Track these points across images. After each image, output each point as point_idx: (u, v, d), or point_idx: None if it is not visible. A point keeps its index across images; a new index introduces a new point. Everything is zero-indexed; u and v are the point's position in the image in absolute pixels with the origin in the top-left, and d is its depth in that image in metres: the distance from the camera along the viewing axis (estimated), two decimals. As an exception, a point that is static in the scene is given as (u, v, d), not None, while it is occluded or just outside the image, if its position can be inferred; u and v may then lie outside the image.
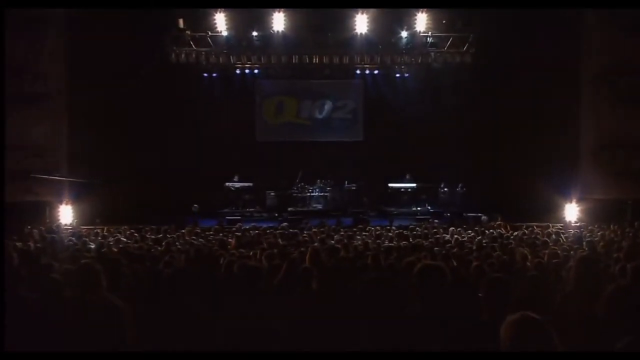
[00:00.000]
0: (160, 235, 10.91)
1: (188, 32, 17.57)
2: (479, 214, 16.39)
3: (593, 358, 2.52)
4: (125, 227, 12.28)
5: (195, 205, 17.45)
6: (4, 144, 8.55)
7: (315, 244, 8.29)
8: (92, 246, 9.05)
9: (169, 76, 18.10)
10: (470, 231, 11.64)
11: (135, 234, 11.54)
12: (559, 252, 7.47)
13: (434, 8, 16.75)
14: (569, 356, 2.38)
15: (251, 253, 7.69)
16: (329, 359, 3.51)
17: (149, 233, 11.52)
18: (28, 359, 3.37)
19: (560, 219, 15.62)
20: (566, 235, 11.28)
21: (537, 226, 13.08)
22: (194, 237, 10.80)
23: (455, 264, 6.45)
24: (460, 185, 18.59)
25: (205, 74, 19.38)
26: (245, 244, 9.34)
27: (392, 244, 9.02)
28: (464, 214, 17.02)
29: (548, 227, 13.16)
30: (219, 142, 19.13)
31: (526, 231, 11.86)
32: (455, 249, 8.53)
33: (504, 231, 11.99)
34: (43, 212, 15.48)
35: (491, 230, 11.83)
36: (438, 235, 11.08)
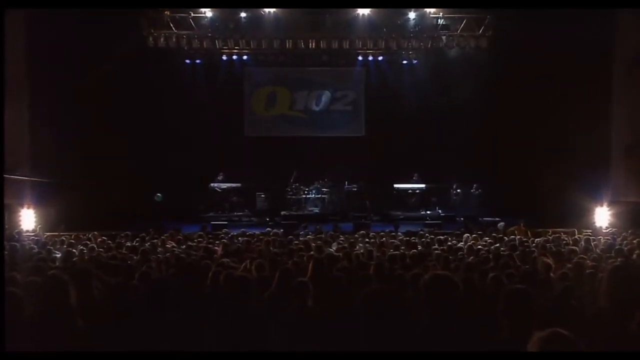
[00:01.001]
0: (137, 243, 10.89)
1: (167, 12, 17.58)
2: (496, 219, 16.42)
3: (594, 358, 2.61)
4: (96, 233, 12.25)
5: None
6: (3, 144, 9.33)
7: (313, 253, 8.28)
8: (58, 255, 9.02)
9: (146, 63, 18.10)
10: (486, 238, 11.65)
11: (108, 242, 11.49)
12: (588, 261, 7.48)
13: (438, 8, 16.90)
14: (572, 356, 2.44)
15: (239, 263, 7.69)
16: (329, 359, 3.73)
17: (123, 240, 11.50)
18: (28, 359, 3.62)
19: (590, 225, 15.64)
20: (596, 242, 11.30)
21: (563, 232, 13.12)
22: (174, 245, 10.78)
23: (469, 274, 6.45)
24: (474, 186, 18.64)
25: (188, 61, 19.41)
26: (233, 252, 9.32)
27: (398, 253, 9.02)
28: (480, 219, 17.06)
29: (575, 233, 13.19)
30: (202, 138, 19.15)
31: (550, 238, 11.87)
32: (470, 258, 8.53)
33: (524, 238, 12.00)
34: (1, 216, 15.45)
35: (510, 237, 11.84)
36: (450, 243, 11.10)
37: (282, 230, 13.35)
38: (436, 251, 9.25)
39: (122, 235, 12.09)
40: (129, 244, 10.74)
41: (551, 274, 6.74)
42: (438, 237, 11.70)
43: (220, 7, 17.48)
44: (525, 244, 10.60)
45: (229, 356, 3.79)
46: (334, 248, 10.55)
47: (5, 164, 16.00)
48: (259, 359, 3.93)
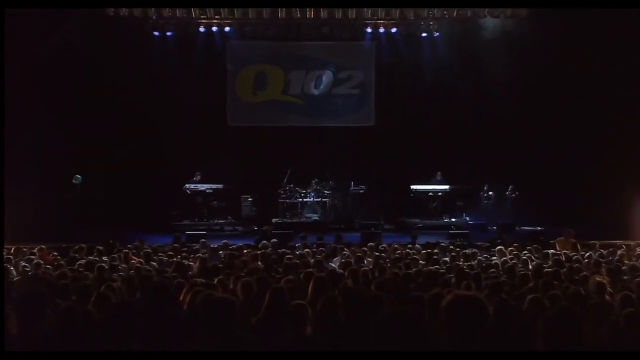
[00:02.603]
0: (93, 258, 10.89)
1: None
2: (538, 228, 16.41)
3: (594, 358, 2.71)
4: (42, 246, 12.25)
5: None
6: (3, 144, 9.91)
7: (312, 270, 8.29)
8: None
9: (106, 36, 18.05)
10: (525, 252, 11.66)
11: (57, 256, 11.46)
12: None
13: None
14: (572, 356, 2.51)
15: (221, 282, 7.69)
16: (329, 359, 3.91)
17: (76, 255, 11.50)
18: (28, 359, 4.10)
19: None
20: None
21: (621, 245, 13.11)
22: (141, 260, 10.77)
23: (503, 296, 6.47)
24: (511, 187, 18.64)
25: (157, 33, 19.36)
26: (213, 269, 9.34)
27: (415, 270, 9.03)
28: (517, 228, 17.03)
29: (637, 246, 13.19)
30: (175, 129, 19.11)
31: (605, 252, 11.88)
32: (504, 277, 8.53)
33: (572, 252, 12.01)
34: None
35: (555, 251, 11.82)
36: (480, 258, 11.10)
37: (273, 242, 13.33)
38: (463, 268, 9.25)
39: (76, 248, 12.08)
40: (83, 259, 10.73)
41: (607, 297, 6.74)
42: (465, 251, 11.71)
43: (220, 7, 18.10)
44: (574, 259, 10.60)
45: (230, 356, 4.05)
46: (338, 264, 10.58)
47: None
48: (259, 359, 4.21)
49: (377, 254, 11.67)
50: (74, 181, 16.99)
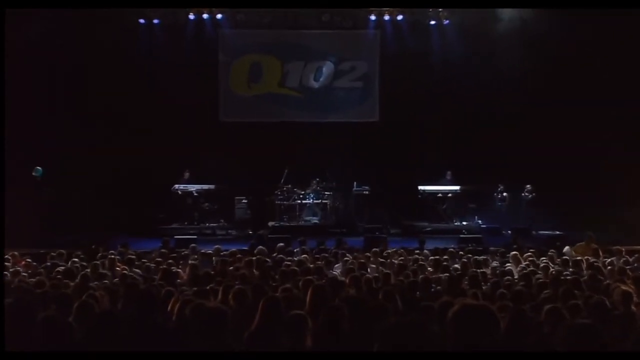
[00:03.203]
0: (75, 265, 10.89)
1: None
2: (556, 232, 16.39)
3: (594, 358, 2.82)
4: (15, 253, 12.24)
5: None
6: (4, 144, 10.21)
7: (311, 277, 8.29)
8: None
9: (85, 24, 18.02)
10: (543, 258, 11.66)
11: (33, 263, 11.43)
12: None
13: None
14: (569, 356, 2.61)
15: (212, 291, 7.69)
16: (329, 358, 4.10)
17: (55, 261, 11.49)
18: (28, 359, 4.37)
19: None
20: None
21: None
22: (125, 267, 10.77)
23: (517, 305, 6.47)
24: (527, 187, 18.60)
25: (142, 20, 19.35)
26: (203, 276, 9.35)
27: (423, 277, 9.03)
28: (534, 232, 17.01)
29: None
30: (162, 124, 19.11)
31: (630, 259, 11.86)
32: (520, 285, 8.53)
33: (594, 258, 12.00)
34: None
35: (576, 257, 11.81)
36: (494, 264, 11.09)
37: (269, 247, 13.33)
38: (474, 275, 9.26)
39: (54, 254, 12.08)
40: (62, 266, 10.73)
41: (632, 308, 6.74)
42: (477, 257, 11.71)
43: (220, 7, 18.50)
44: (596, 265, 10.59)
45: (230, 356, 4.23)
46: (339, 271, 10.58)
47: None
48: (260, 358, 4.44)
49: (381, 260, 11.67)
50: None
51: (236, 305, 6.27)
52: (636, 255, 12.24)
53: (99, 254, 12.25)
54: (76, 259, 11.60)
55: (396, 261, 11.44)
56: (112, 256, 11.61)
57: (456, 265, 10.93)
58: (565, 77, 18.32)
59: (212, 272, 9.77)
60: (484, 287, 8.59)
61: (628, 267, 10.64)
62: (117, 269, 10.68)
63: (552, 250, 12.61)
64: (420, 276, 9.24)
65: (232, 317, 5.00)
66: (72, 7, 16.30)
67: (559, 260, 11.53)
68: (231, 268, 10.40)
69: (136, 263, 11.39)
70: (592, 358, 3.50)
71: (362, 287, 7.99)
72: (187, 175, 18.65)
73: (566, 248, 13.99)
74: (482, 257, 12.02)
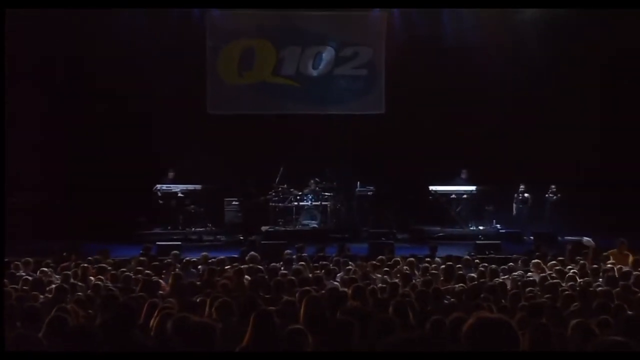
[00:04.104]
0: (46, 274, 10.87)
1: None
2: (584, 238, 16.35)
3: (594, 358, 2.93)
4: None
5: None
6: (4, 144, 10.50)
7: (309, 288, 8.28)
8: None
9: (62, 9, 17.98)
10: (570, 266, 11.64)
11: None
12: None
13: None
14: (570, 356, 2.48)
15: (198, 301, 7.68)
16: (330, 358, 4.25)
17: (21, 271, 11.48)
18: (28, 359, 4.77)
19: None
20: None
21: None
22: (100, 277, 10.75)
23: (539, 320, 6.47)
24: (551, 188, 18.58)
25: (121, 1, 19.35)
26: (189, 287, 9.35)
27: (434, 288, 9.01)
28: (559, 238, 17.01)
29: None
30: (143, 118, 19.10)
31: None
32: (544, 296, 8.51)
33: (627, 267, 11.97)
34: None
35: (606, 266, 11.79)
36: (514, 274, 11.07)
37: (263, 254, 13.33)
38: (492, 286, 9.24)
39: (21, 262, 12.06)
40: (29, 276, 10.71)
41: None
42: (494, 266, 11.67)
43: (220, 7, 18.93)
44: (629, 274, 10.57)
45: (230, 356, 4.42)
46: (340, 281, 10.57)
47: None
48: (264, 359, 4.68)
49: (388, 269, 11.66)
50: None
51: (224, 320, 6.25)
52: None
53: (72, 263, 12.24)
54: (45, 268, 11.59)
55: (404, 270, 11.42)
56: (87, 265, 11.60)
57: (472, 275, 10.92)
58: (594, 65, 18.31)
59: (198, 283, 9.76)
60: (502, 300, 8.58)
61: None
62: (92, 279, 10.66)
63: (580, 258, 12.59)
64: (432, 287, 9.23)
65: (220, 332, 5.00)
66: (72, 7, 16.71)
67: (585, 270, 11.48)
68: (219, 278, 10.37)
69: (114, 273, 11.37)
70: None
71: (367, 298, 7.99)
72: (171, 175, 18.64)
73: (585, 238, 14.00)
74: (500, 266, 12.00)
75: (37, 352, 4.74)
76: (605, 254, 13.54)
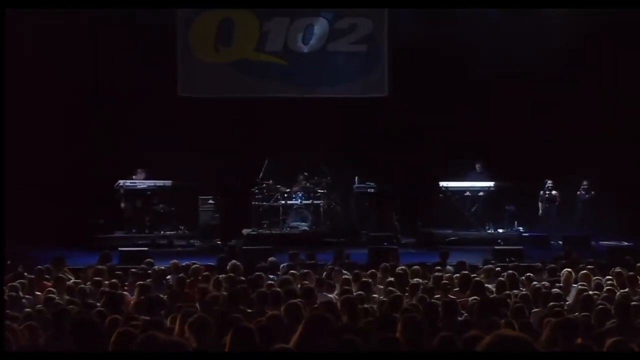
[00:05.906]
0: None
1: None
2: (623, 243, 16.41)
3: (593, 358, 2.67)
4: None
5: None
6: (4, 144, 10.78)
7: (297, 301, 8.27)
8: None
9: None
10: (609, 276, 11.65)
11: None
12: None
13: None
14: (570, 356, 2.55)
15: (167, 318, 7.69)
16: (330, 358, 4.71)
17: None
18: (28, 359, 5.51)
19: None
20: None
21: None
22: (50, 290, 10.74)
23: (569, 338, 6.48)
24: (584, 184, 18.62)
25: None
26: (156, 300, 9.35)
27: (445, 300, 9.02)
28: (593, 243, 17.03)
29: None
30: (103, 102, 19.13)
31: None
32: (577, 311, 8.52)
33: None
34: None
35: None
36: (539, 284, 11.08)
37: (244, 261, 13.33)
38: (513, 298, 9.26)
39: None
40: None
41: None
42: (516, 275, 11.68)
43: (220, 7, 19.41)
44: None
45: (231, 356, 4.88)
46: (335, 292, 10.57)
47: None
48: (259, 358, 5.11)
49: (391, 278, 11.66)
50: None
51: (196, 338, 6.23)
52: None
53: (17, 272, 12.21)
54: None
55: (411, 280, 11.42)
56: (35, 275, 11.59)
57: (489, 286, 10.93)
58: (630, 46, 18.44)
59: (167, 295, 9.75)
60: (525, 316, 8.59)
61: None
62: (39, 293, 10.63)
63: (618, 266, 12.61)
64: (443, 300, 9.23)
65: (194, 353, 4.99)
66: (72, 7, 17.33)
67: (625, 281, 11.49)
68: (192, 290, 10.37)
69: (68, 284, 11.35)
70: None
71: (365, 314, 7.99)
72: (141, 174, 18.45)
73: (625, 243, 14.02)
74: (523, 275, 12.02)
75: (37, 352, 5.13)
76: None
